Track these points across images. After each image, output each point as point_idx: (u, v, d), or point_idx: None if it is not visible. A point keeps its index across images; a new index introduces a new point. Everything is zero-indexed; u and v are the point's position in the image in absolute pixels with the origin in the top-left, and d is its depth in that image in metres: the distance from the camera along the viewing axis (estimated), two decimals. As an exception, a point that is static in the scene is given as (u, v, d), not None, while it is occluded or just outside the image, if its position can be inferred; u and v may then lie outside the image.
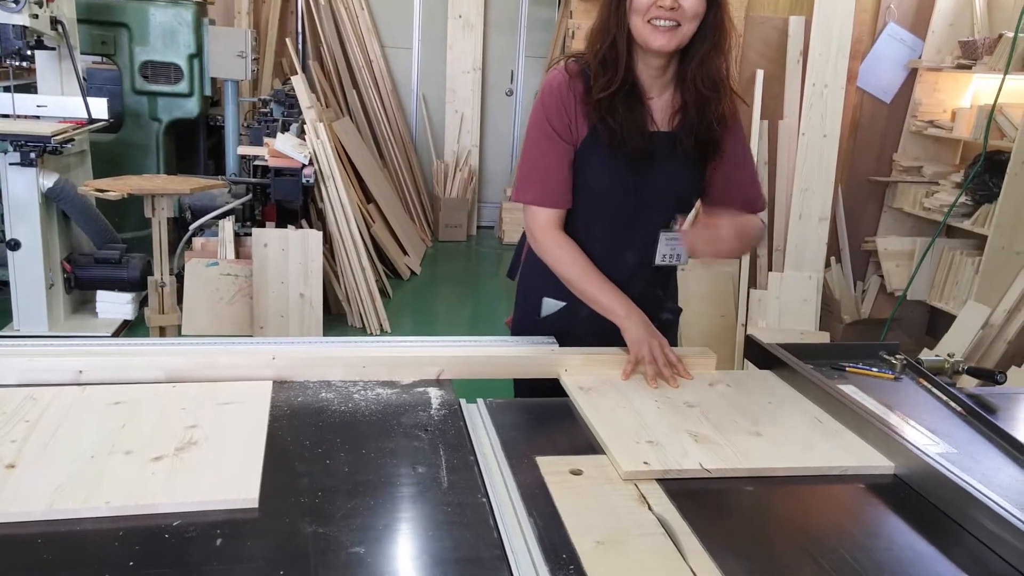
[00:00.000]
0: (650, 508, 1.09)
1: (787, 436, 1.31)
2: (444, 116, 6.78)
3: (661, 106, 1.57)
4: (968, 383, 1.78)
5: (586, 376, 1.50)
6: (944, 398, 1.54)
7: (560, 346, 1.66)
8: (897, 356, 1.71)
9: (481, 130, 6.88)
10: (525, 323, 1.77)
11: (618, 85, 1.49)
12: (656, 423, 1.32)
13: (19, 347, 1.44)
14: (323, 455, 1.17)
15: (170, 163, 4.85)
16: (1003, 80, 3.49)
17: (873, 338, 3.95)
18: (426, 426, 1.28)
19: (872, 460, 1.25)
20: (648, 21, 1.43)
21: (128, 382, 1.35)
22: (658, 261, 1.68)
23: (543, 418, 1.41)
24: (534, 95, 6.80)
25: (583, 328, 1.69)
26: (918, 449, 1.22)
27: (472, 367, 1.48)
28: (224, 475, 1.07)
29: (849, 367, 1.69)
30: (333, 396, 1.37)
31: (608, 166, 1.56)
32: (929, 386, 1.60)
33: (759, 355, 1.71)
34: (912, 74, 4.03)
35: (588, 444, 1.28)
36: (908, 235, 4.08)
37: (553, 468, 1.19)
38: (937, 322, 4.07)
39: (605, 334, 1.61)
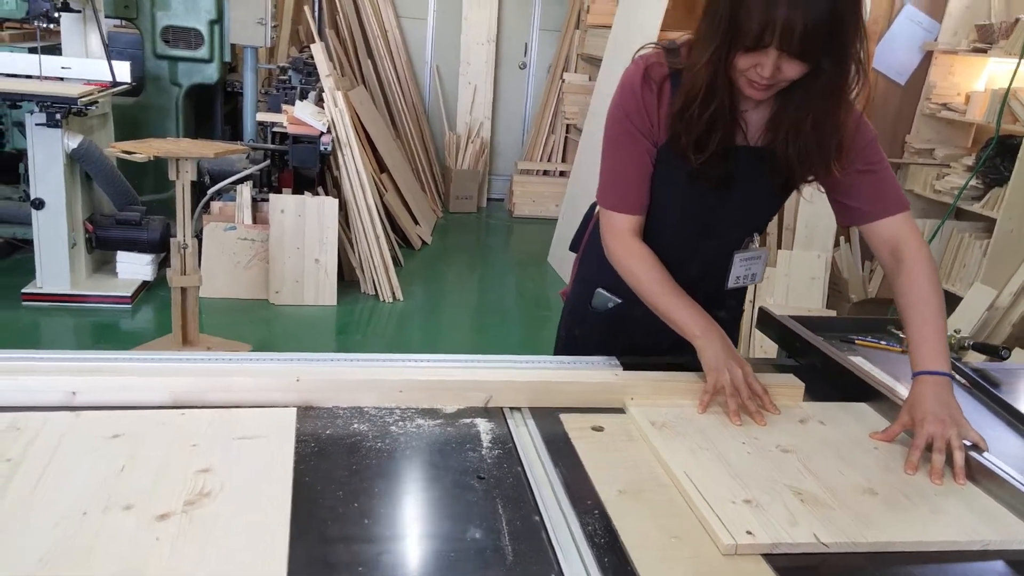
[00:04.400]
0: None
1: (906, 494, 1.12)
2: (457, 88, 6.80)
3: (758, 119, 1.38)
4: (974, 358, 1.84)
5: (656, 407, 1.30)
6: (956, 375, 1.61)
7: (610, 347, 1.56)
8: (903, 330, 1.78)
9: (494, 103, 6.90)
10: (578, 304, 1.68)
11: (720, 145, 1.33)
12: (749, 475, 1.12)
13: (5, 361, 1.24)
14: (360, 512, 0.99)
15: (189, 128, 4.90)
16: (1018, 64, 3.52)
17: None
18: (478, 471, 1.10)
19: (1017, 531, 1.06)
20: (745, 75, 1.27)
21: (129, 406, 1.16)
22: (731, 284, 1.55)
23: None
24: (548, 68, 6.85)
25: (635, 329, 1.58)
26: None
27: (524, 394, 1.29)
28: (243, 545, 0.89)
29: (858, 340, 1.76)
30: (367, 428, 1.19)
31: (681, 180, 1.40)
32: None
33: (774, 329, 1.78)
34: (928, 57, 4.06)
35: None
36: (918, 217, 4.13)
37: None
38: (948, 304, 4.14)
39: (659, 342, 1.51)
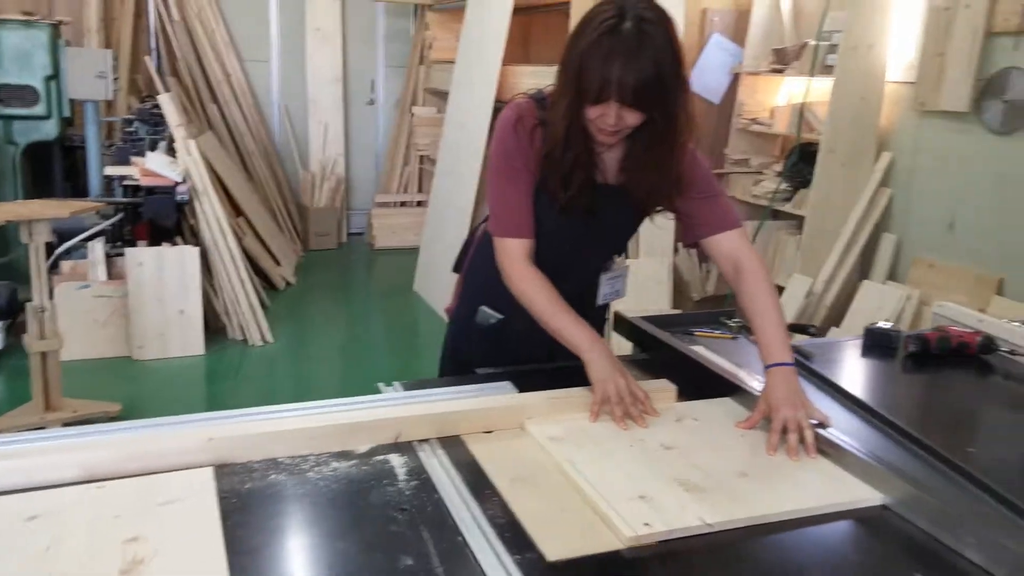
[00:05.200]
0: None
1: (771, 472, 1.29)
2: (308, 127, 6.86)
3: (612, 159, 1.59)
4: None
5: (554, 424, 1.40)
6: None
7: (494, 359, 1.72)
8: (734, 320, 2.08)
9: (346, 139, 7.01)
10: (463, 320, 1.83)
11: (582, 178, 1.54)
12: (641, 473, 1.25)
13: None
14: (295, 557, 1.04)
15: (27, 186, 4.73)
16: (809, 82, 4.05)
17: (718, 313, 4.46)
18: (400, 504, 1.16)
19: (861, 493, 1.23)
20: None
21: (41, 486, 1.13)
22: (600, 301, 1.77)
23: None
24: (396, 103, 7.04)
25: (514, 344, 1.75)
26: (906, 477, 1.23)
27: (431, 426, 1.36)
28: None
29: (697, 332, 2.04)
30: (285, 477, 1.22)
31: (554, 212, 1.58)
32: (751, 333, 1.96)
33: (626, 328, 2.04)
34: (736, 78, 4.56)
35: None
36: (742, 220, 4.61)
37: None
38: (771, 295, 4.63)
39: (537, 353, 1.70)
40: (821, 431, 1.37)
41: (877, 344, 1.94)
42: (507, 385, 1.58)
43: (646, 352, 1.94)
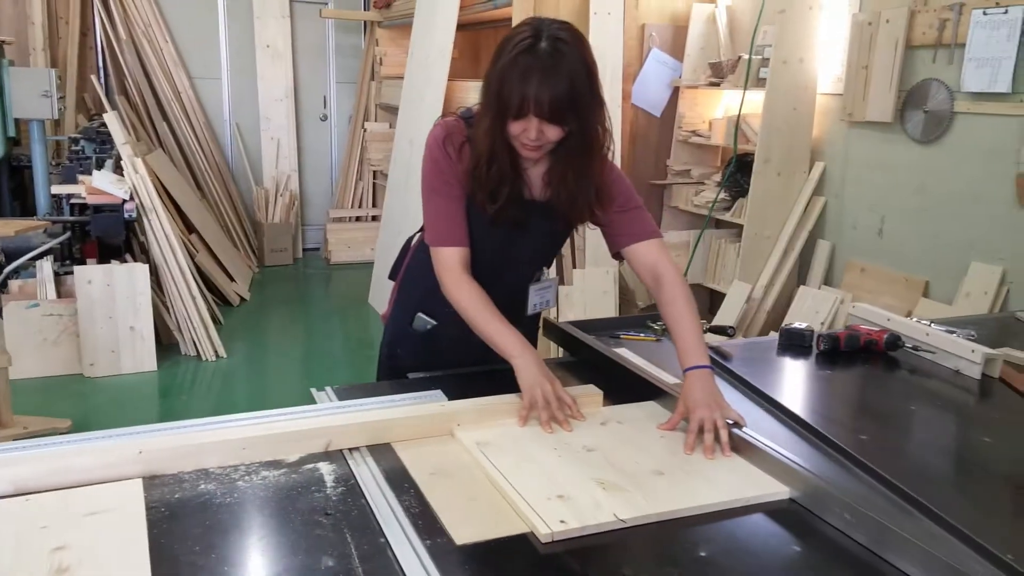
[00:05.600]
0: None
1: (686, 470, 1.35)
2: (260, 143, 6.88)
3: (536, 175, 1.67)
4: (710, 339, 2.29)
5: (481, 429, 1.46)
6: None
7: (428, 363, 1.80)
8: (658, 323, 2.19)
9: (299, 155, 7.05)
10: (397, 326, 1.91)
11: (508, 193, 1.61)
12: (561, 474, 1.31)
13: None
14: (218, 561, 1.06)
15: (-27, 207, 4.71)
16: (743, 94, 4.21)
17: (664, 319, 4.57)
18: (325, 509, 1.19)
19: (770, 488, 1.30)
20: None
21: None
22: (531, 311, 1.86)
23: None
24: (348, 119, 7.10)
25: (447, 349, 1.83)
26: (810, 472, 1.31)
27: (361, 434, 1.39)
28: None
29: (623, 335, 2.15)
30: (215, 487, 1.24)
31: (483, 225, 1.66)
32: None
33: (555, 334, 2.13)
34: (676, 91, 4.71)
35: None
36: (685, 228, 4.75)
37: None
38: (716, 300, 4.77)
39: (468, 357, 1.77)
40: (736, 430, 1.44)
41: (792, 343, 2.06)
42: (438, 393, 1.63)
43: (572, 355, 2.02)
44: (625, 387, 1.70)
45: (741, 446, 1.41)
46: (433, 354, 1.86)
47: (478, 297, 1.63)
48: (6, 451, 1.29)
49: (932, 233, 3.67)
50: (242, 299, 5.70)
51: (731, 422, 1.46)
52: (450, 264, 1.65)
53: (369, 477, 1.29)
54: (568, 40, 1.50)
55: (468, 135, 1.63)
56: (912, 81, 3.67)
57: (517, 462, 1.34)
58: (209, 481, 1.26)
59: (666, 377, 1.76)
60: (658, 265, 1.70)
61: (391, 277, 1.99)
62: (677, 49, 4.65)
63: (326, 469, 1.31)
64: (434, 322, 1.85)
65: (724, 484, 1.30)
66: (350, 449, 1.38)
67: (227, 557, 1.07)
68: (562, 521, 1.15)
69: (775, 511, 1.26)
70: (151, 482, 1.24)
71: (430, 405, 1.53)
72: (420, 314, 1.86)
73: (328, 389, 1.67)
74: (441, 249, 1.67)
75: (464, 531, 1.14)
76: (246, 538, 1.12)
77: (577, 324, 2.13)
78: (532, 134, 1.51)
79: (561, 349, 2.13)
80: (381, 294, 5.55)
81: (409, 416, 1.46)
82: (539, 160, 1.64)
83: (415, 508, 1.21)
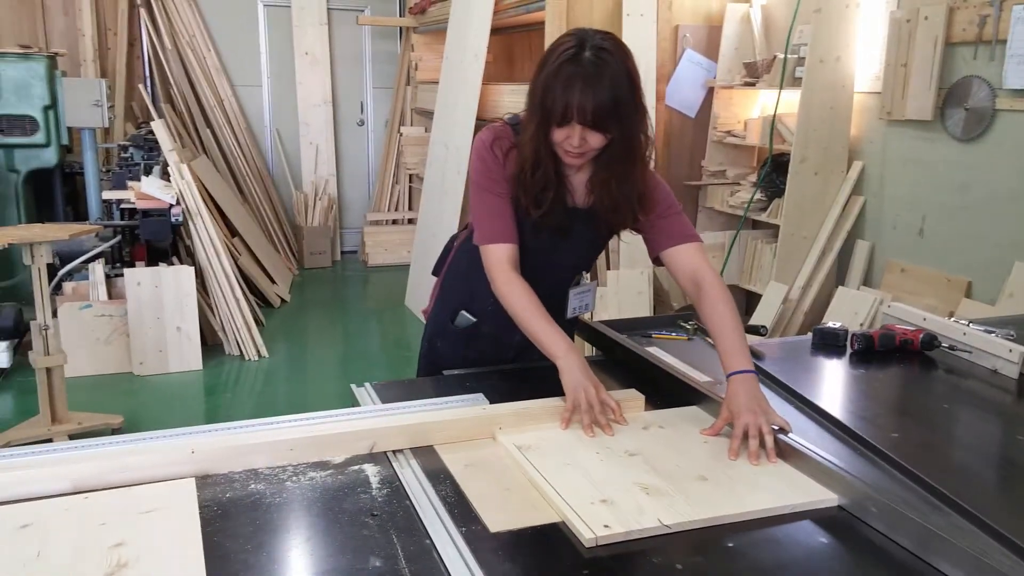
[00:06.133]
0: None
1: (731, 476, 1.33)
2: (299, 148, 7.02)
3: (579, 182, 1.70)
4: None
5: (522, 433, 1.46)
6: (722, 349, 2.02)
7: (466, 358, 1.84)
8: (690, 322, 2.21)
9: (337, 160, 7.17)
10: (439, 321, 1.95)
11: (552, 198, 1.65)
12: (604, 478, 1.30)
13: None
14: (269, 560, 1.09)
15: (30, 212, 4.89)
16: (779, 94, 4.19)
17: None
18: (371, 510, 1.21)
19: (817, 494, 1.27)
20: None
21: (31, 498, 1.21)
22: (569, 314, 1.88)
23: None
24: (384, 124, 7.20)
25: (486, 346, 1.88)
26: (859, 479, 1.27)
27: (404, 437, 1.42)
28: None
29: (655, 334, 2.17)
30: (264, 487, 1.27)
31: (525, 229, 1.69)
32: (712, 343, 2.09)
33: (587, 332, 2.17)
34: (710, 92, 4.71)
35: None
36: (720, 230, 4.74)
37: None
38: (752, 302, 4.76)
39: (504, 353, 1.85)
40: (781, 436, 1.42)
41: (825, 343, 2.06)
42: (479, 396, 1.65)
43: (604, 354, 2.05)
44: (657, 386, 1.72)
45: (787, 452, 1.39)
46: (471, 349, 1.90)
47: (527, 296, 1.64)
48: (66, 451, 1.34)
49: (974, 233, 3.63)
50: (283, 301, 5.82)
51: (776, 428, 1.44)
52: (500, 261, 1.67)
53: (413, 479, 1.31)
54: (611, 50, 1.53)
55: (515, 141, 1.66)
56: (952, 78, 3.63)
57: (559, 465, 1.34)
58: (259, 481, 1.29)
59: (697, 375, 1.78)
60: (698, 270, 1.70)
61: (434, 273, 2.04)
62: (711, 49, 4.65)
63: (371, 471, 1.34)
64: (474, 320, 1.89)
65: (770, 490, 1.28)
66: (394, 451, 1.40)
67: (277, 556, 1.10)
68: (606, 526, 1.15)
69: (823, 519, 1.23)
70: (203, 481, 1.28)
71: (472, 408, 1.54)
72: (463, 312, 1.90)
73: (367, 385, 1.72)
74: (491, 246, 1.68)
75: (497, 517, 1.20)
76: (295, 538, 1.15)
77: (609, 323, 2.16)
78: (575, 141, 1.55)
79: (593, 348, 2.17)
80: (418, 296, 5.63)
81: (451, 419, 1.47)
82: (581, 167, 1.67)
83: (456, 508, 1.23)
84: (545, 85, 1.53)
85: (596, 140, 1.55)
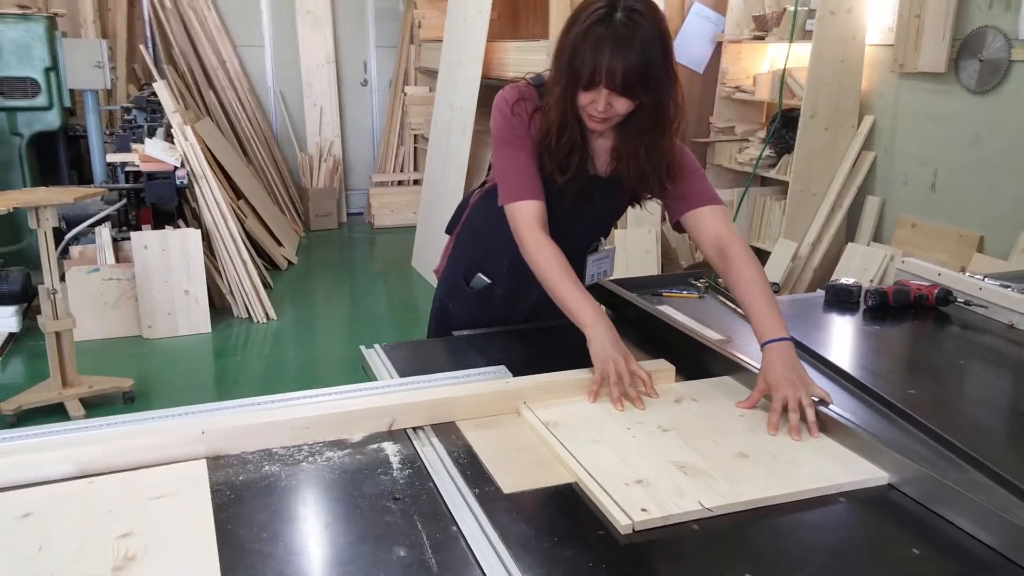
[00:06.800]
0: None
1: (772, 452, 1.25)
2: (303, 110, 6.95)
3: (602, 148, 1.65)
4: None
5: (547, 407, 1.38)
6: (735, 307, 1.97)
7: (477, 319, 1.81)
8: (701, 280, 2.19)
9: (341, 120, 7.10)
10: (451, 280, 1.92)
11: (577, 164, 1.60)
12: (637, 457, 1.22)
13: None
14: (286, 550, 1.02)
15: (34, 176, 4.86)
16: (789, 48, 4.12)
17: (708, 278, 4.57)
18: (393, 493, 1.14)
19: (866, 472, 1.20)
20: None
21: (34, 483, 1.13)
22: (588, 281, 1.84)
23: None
24: (389, 83, 7.12)
25: (498, 303, 1.85)
26: (907, 457, 1.19)
27: (424, 413, 1.34)
28: None
29: (665, 292, 2.15)
30: (279, 468, 1.20)
31: (549, 195, 1.64)
32: (724, 300, 2.08)
33: (598, 292, 2.15)
34: (719, 47, 4.63)
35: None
36: (729, 187, 4.70)
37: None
38: (761, 259, 4.73)
39: (516, 314, 1.83)
40: (822, 408, 1.35)
41: (838, 299, 2.05)
42: (502, 369, 1.56)
43: (615, 312, 2.02)
44: (668, 345, 1.71)
45: (829, 425, 1.31)
46: (482, 309, 1.88)
47: (556, 258, 1.57)
48: (68, 431, 1.27)
49: (987, 186, 3.59)
50: (290, 263, 5.82)
51: (817, 400, 1.36)
52: (528, 220, 1.60)
53: (436, 459, 1.24)
54: (644, 12, 1.46)
55: (539, 104, 1.61)
56: (966, 29, 3.56)
57: (588, 443, 1.26)
58: (273, 462, 1.22)
59: (710, 334, 1.77)
60: (723, 235, 1.63)
61: (448, 231, 2.00)
62: (719, 3, 4.56)
63: (391, 449, 1.27)
64: (488, 281, 1.86)
65: (815, 468, 1.20)
66: (414, 428, 1.34)
67: (295, 546, 1.03)
68: (643, 510, 1.07)
69: (873, 498, 1.16)
70: (215, 463, 1.21)
71: (495, 382, 1.46)
72: (479, 275, 1.86)
73: (377, 347, 1.71)
74: (518, 204, 1.61)
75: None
76: (313, 525, 1.08)
77: (619, 282, 2.15)
78: (600, 106, 1.49)
79: (604, 308, 2.16)
80: (424, 257, 5.62)
81: (473, 394, 1.39)
82: (604, 133, 1.61)
83: (483, 492, 1.15)
84: (573, 46, 1.47)
85: (622, 106, 1.49)
